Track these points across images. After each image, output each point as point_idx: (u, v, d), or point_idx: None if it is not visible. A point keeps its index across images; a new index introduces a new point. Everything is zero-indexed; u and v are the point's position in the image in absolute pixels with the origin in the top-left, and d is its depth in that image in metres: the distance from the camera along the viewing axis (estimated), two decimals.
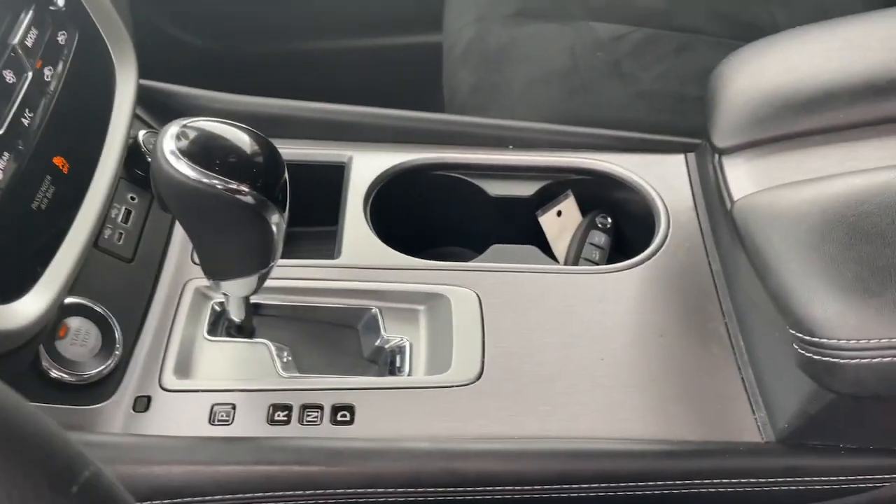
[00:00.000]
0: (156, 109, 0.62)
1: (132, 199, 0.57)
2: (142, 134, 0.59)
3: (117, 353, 0.50)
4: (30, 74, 0.46)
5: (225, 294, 0.51)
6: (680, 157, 0.65)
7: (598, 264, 0.64)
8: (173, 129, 0.41)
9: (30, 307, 0.43)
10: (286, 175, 0.43)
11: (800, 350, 0.43)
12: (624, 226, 0.66)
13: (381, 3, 1.25)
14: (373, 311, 0.57)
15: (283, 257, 0.47)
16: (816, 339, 0.42)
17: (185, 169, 0.40)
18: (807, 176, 0.47)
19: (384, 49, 1.26)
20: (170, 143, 0.40)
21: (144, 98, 0.59)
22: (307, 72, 1.26)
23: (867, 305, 0.41)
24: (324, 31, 1.26)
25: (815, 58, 0.51)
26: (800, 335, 0.43)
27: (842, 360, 0.41)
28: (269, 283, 0.49)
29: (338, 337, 0.57)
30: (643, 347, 0.53)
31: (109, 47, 0.55)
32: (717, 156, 0.51)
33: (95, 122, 0.52)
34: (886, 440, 0.50)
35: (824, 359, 0.42)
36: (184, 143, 0.40)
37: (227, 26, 1.26)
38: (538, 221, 0.65)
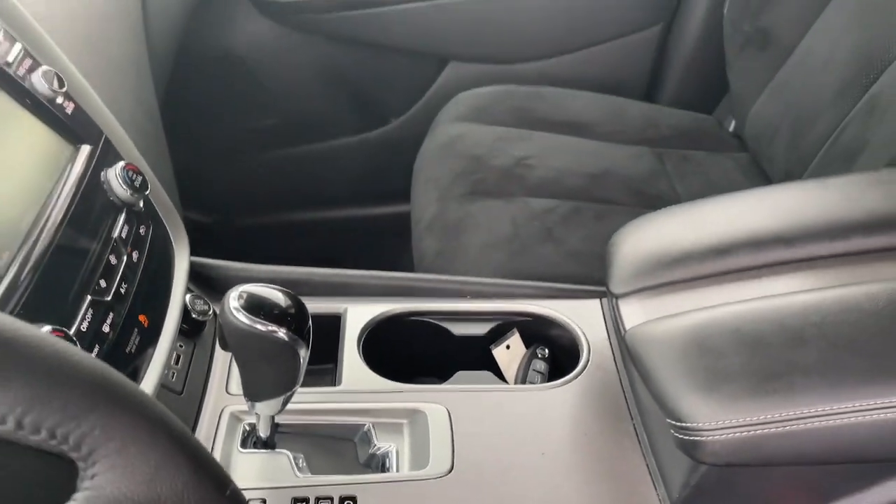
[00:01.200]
0: (197, 278, 0.81)
1: (180, 346, 0.75)
2: (187, 297, 0.78)
3: None
4: (125, 258, 0.65)
5: (257, 414, 0.67)
6: (597, 301, 0.85)
7: None
8: (235, 293, 0.59)
9: None
10: (310, 322, 0.62)
11: (675, 433, 0.61)
12: (558, 354, 0.84)
13: (359, 180, 1.50)
14: (366, 426, 0.73)
15: None
16: (684, 424, 0.60)
17: (243, 318, 0.58)
18: (674, 311, 0.67)
19: (363, 217, 1.50)
20: (234, 302, 0.58)
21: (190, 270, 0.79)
22: (299, 237, 1.49)
23: (712, 399, 0.59)
24: (313, 204, 1.50)
25: (676, 229, 0.73)
26: (673, 422, 0.60)
27: (701, 438, 0.59)
28: (287, 406, 0.66)
29: (339, 447, 0.73)
30: (573, 444, 0.71)
31: (171, 236, 0.74)
32: (614, 299, 0.71)
33: (163, 289, 0.70)
34: None
35: (691, 438, 0.59)
36: (242, 301, 0.59)
37: (228, 205, 1.49)
38: (492, 354, 0.84)
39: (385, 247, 1.44)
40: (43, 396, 0.31)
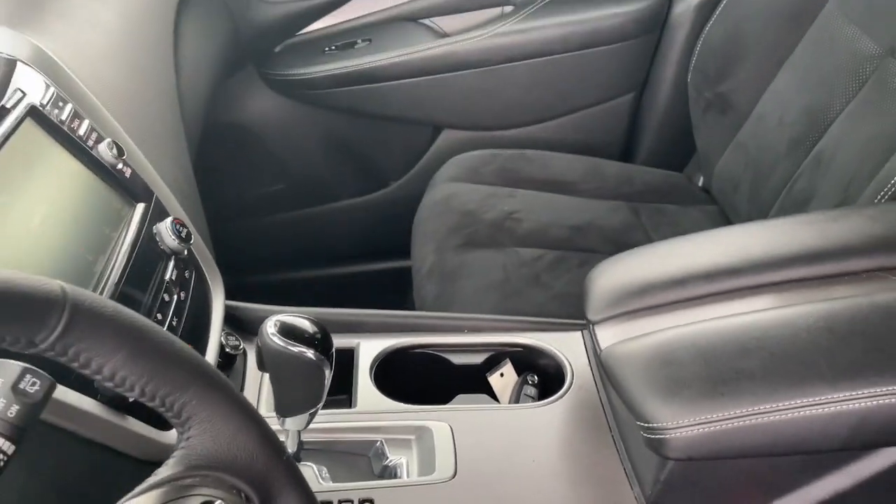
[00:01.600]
0: (228, 319, 0.93)
1: None
2: (222, 334, 0.89)
3: None
4: (175, 297, 0.77)
5: (286, 430, 0.78)
6: (578, 333, 0.97)
7: None
8: (271, 321, 0.71)
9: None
10: (334, 345, 0.73)
11: (644, 434, 0.71)
12: (546, 381, 0.95)
13: (361, 239, 1.63)
14: (378, 442, 0.84)
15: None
16: (650, 425, 0.70)
17: (278, 341, 0.69)
18: (641, 333, 0.79)
19: (366, 273, 1.62)
20: (270, 328, 0.70)
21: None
22: (306, 293, 1.60)
23: (673, 402, 0.70)
24: (318, 262, 1.62)
25: (643, 265, 0.85)
26: (642, 424, 0.71)
27: (665, 436, 0.70)
28: (311, 426, 0.77)
29: (355, 461, 0.83)
30: (560, 453, 0.81)
31: (209, 280, 0.86)
32: (592, 326, 0.83)
33: (203, 326, 0.82)
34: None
35: (657, 436, 0.70)
36: (277, 327, 0.70)
37: (239, 265, 1.61)
38: (488, 381, 0.95)
39: (387, 299, 1.55)
40: (160, 371, 0.43)
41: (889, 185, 0.93)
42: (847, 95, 1.14)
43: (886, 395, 0.67)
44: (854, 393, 0.68)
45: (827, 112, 1.16)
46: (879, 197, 0.95)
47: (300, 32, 1.56)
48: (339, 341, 0.93)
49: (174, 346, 0.44)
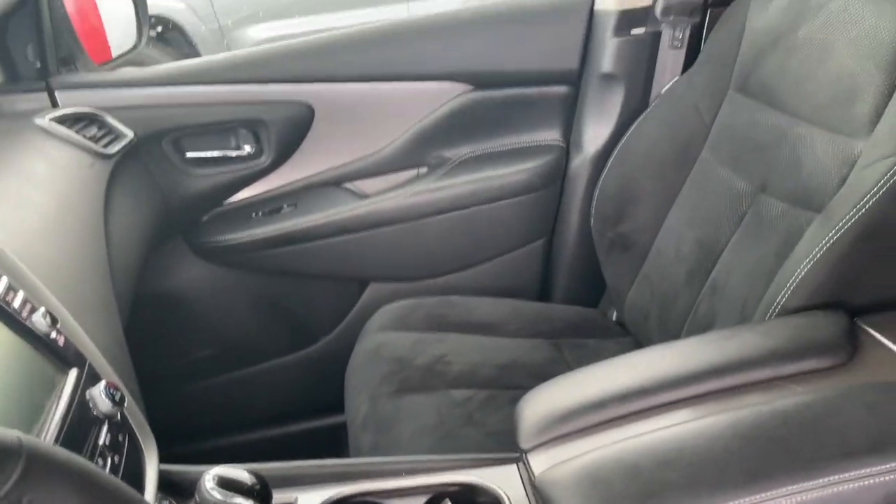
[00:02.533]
0: (163, 483, 0.91)
1: None
2: (157, 499, 0.87)
3: None
4: (109, 461, 0.77)
5: None
6: (514, 466, 0.99)
7: None
8: (209, 475, 0.72)
9: None
10: (273, 496, 0.74)
11: None
12: None
13: (293, 397, 1.63)
14: None
15: None
16: None
17: (218, 495, 0.70)
18: (570, 456, 0.83)
19: (300, 432, 1.60)
20: (209, 482, 0.71)
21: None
22: (238, 459, 1.57)
23: None
24: (249, 426, 1.60)
25: (564, 392, 0.91)
26: None
27: None
28: None
29: None
30: None
31: (142, 443, 0.86)
32: (524, 454, 0.87)
33: (138, 490, 0.81)
34: None
35: None
36: (215, 481, 0.71)
37: (168, 436, 1.57)
38: None
39: (324, 456, 1.54)
40: None
41: (775, 304, 1.03)
42: (731, 228, 1.28)
43: (796, 492, 0.73)
44: (767, 493, 0.73)
45: (716, 244, 1.29)
46: (769, 314, 1.05)
47: (226, 202, 1.64)
48: (276, 496, 0.93)
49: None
